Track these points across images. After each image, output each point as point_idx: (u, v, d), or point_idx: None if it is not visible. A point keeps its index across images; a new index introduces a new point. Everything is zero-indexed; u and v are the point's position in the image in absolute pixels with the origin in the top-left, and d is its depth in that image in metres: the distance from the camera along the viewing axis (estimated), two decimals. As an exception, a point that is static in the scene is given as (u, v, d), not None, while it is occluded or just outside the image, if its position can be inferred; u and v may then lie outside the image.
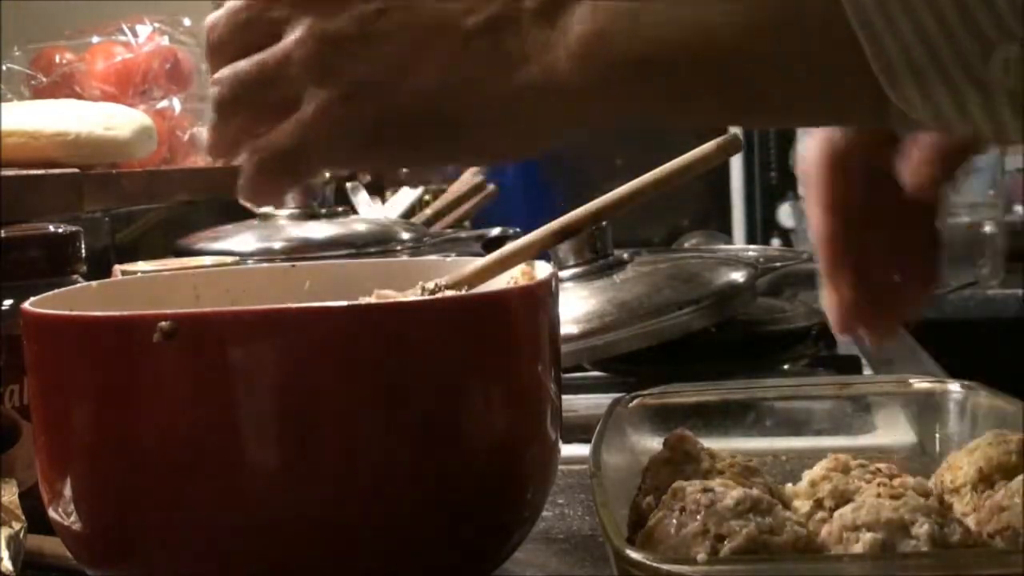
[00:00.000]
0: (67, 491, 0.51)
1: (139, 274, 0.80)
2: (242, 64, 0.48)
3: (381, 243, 1.23)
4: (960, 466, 0.52)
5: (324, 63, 0.45)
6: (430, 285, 0.58)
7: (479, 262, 0.61)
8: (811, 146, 0.63)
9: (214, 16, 0.50)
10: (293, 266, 0.68)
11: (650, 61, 0.40)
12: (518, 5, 0.43)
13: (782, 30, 0.38)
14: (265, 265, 0.73)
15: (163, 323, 0.47)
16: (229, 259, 1.01)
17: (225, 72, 0.49)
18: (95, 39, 1.38)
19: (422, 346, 0.50)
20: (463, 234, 1.47)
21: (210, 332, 0.48)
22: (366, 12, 0.45)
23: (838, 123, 0.55)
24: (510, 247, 0.60)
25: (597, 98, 0.43)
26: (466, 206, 1.65)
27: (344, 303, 0.50)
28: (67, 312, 0.52)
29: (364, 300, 0.56)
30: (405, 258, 0.69)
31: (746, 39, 0.39)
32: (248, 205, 0.54)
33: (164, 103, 1.37)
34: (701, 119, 0.45)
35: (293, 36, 0.46)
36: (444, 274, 0.60)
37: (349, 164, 0.48)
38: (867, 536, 0.44)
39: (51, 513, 0.53)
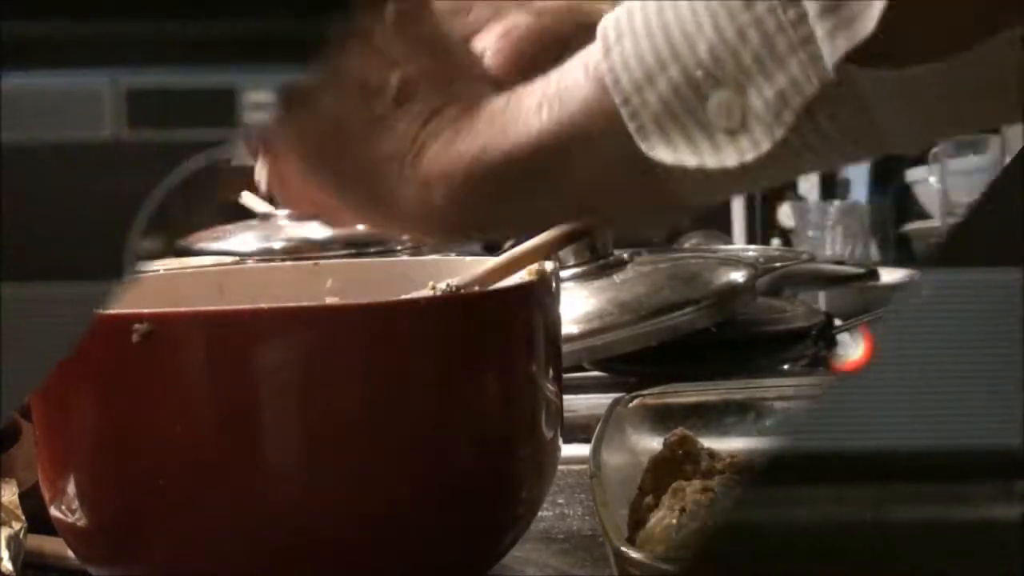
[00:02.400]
0: (69, 488, 0.51)
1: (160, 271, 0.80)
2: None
3: (381, 243, 1.23)
4: (960, 466, 0.52)
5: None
6: (442, 286, 0.58)
7: (492, 262, 0.60)
8: None
9: None
10: (316, 264, 0.69)
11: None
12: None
13: (573, 136, 0.41)
14: (289, 263, 0.74)
15: (138, 324, 0.47)
16: (228, 259, 1.01)
17: None
18: (95, 39, 1.38)
19: (419, 345, 0.50)
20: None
21: (189, 331, 0.48)
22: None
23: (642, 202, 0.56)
24: (523, 247, 0.60)
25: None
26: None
27: (325, 303, 0.50)
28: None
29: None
30: (425, 257, 0.69)
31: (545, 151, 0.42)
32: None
33: (164, 103, 1.36)
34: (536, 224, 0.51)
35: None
36: (462, 274, 0.60)
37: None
38: (867, 536, 0.44)
39: (52, 511, 0.53)
